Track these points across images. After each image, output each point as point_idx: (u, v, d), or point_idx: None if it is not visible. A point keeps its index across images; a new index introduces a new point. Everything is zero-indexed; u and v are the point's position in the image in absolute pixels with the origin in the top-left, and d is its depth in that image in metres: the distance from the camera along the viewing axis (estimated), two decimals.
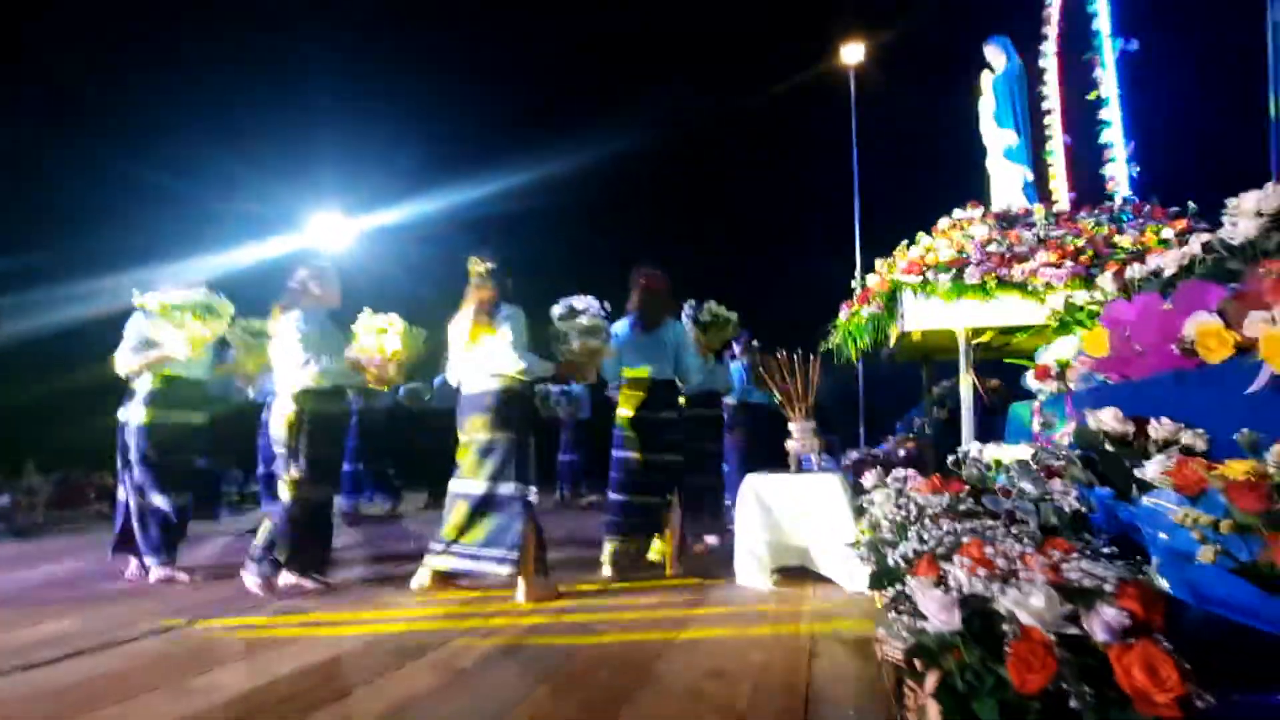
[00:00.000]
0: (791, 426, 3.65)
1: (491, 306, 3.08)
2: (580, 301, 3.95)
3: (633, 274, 3.76)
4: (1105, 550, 0.99)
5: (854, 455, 5.50)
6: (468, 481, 3.06)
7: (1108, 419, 1.52)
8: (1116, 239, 2.98)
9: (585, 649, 2.23)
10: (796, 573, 3.34)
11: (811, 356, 3.62)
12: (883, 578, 1.18)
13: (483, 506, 3.00)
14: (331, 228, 11.69)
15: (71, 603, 3.00)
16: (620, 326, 3.67)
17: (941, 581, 1.02)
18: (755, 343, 5.31)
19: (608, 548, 3.51)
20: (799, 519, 3.32)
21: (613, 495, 3.63)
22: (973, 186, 4.19)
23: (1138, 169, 3.75)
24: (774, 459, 3.72)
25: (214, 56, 12.66)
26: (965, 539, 1.07)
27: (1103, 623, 0.84)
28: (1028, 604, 0.86)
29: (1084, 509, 1.30)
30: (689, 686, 1.87)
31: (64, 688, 1.91)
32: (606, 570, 3.47)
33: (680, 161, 15.16)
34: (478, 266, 3.18)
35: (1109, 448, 1.56)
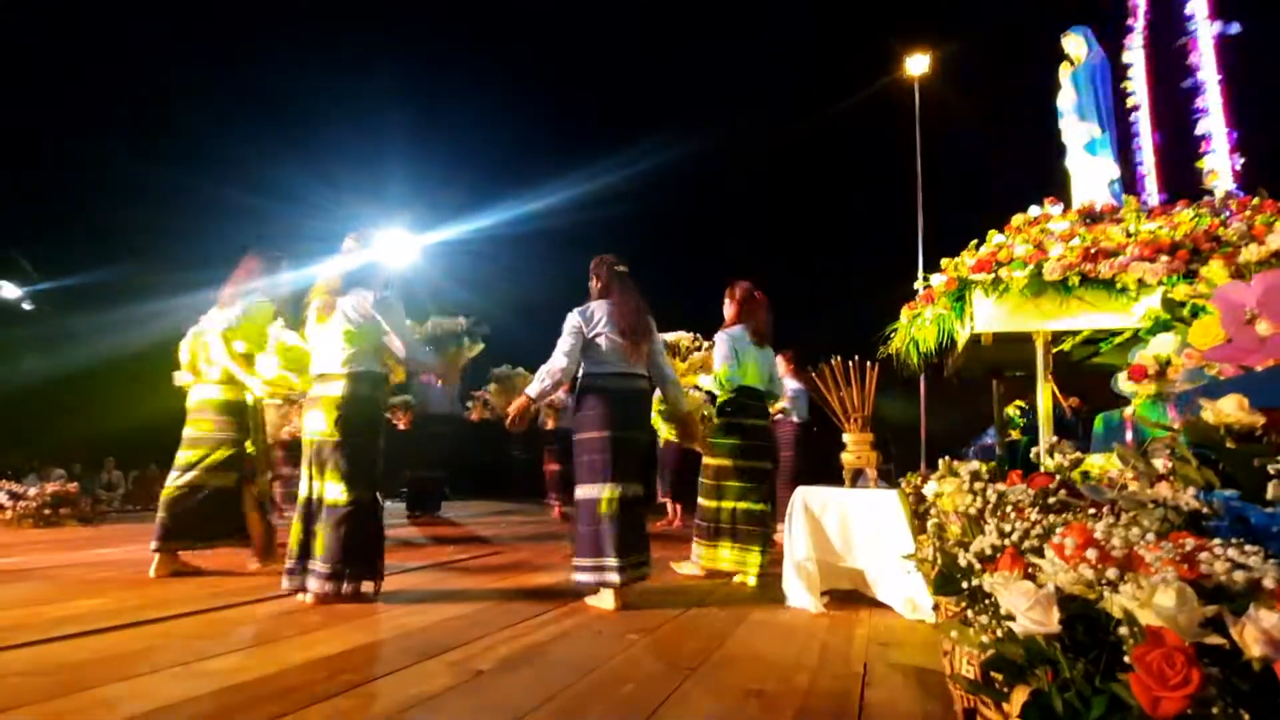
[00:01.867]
0: (846, 438, 3.41)
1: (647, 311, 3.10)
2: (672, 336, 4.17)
3: (741, 287, 3.77)
4: (1248, 547, 0.76)
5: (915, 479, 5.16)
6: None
7: (1230, 409, 1.26)
8: (1220, 232, 2.65)
9: (612, 659, 2.05)
10: (850, 597, 3.08)
11: (869, 364, 3.38)
12: (951, 579, 0.98)
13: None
14: (396, 243, 12.11)
15: (113, 583, 3.03)
16: (737, 335, 3.65)
17: (1030, 579, 0.82)
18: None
19: (707, 553, 3.55)
20: (853, 538, 3.06)
21: (715, 502, 3.59)
22: (1040, 197, 3.88)
23: (1242, 160, 3.38)
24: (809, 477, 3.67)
25: (292, 85, 13.40)
26: (1060, 530, 0.86)
27: (1262, 631, 0.62)
28: (1153, 602, 0.65)
29: (1204, 509, 1.06)
30: (723, 707, 1.67)
31: (75, 664, 1.87)
32: (689, 569, 3.63)
33: (738, 173, 15.05)
34: (619, 266, 3.13)
35: (1230, 444, 1.30)
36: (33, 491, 5.37)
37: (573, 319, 3.00)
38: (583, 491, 2.89)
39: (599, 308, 3.02)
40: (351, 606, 2.69)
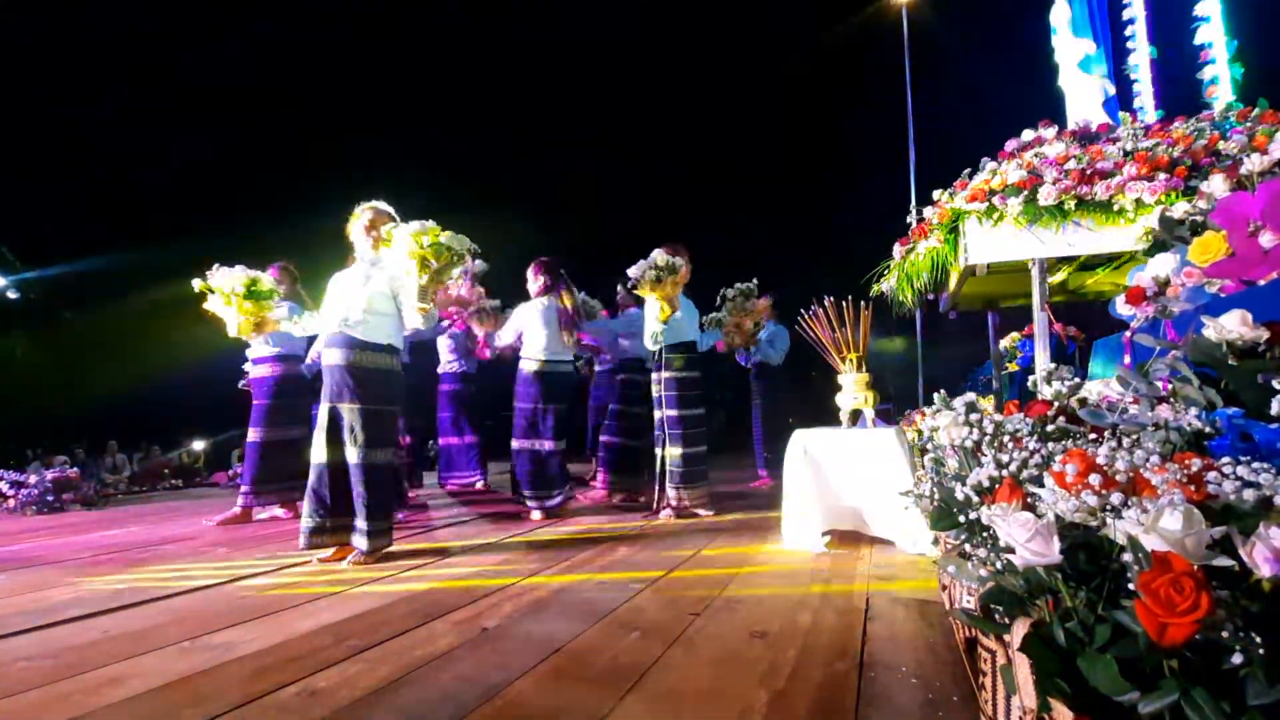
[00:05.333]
0: (841, 379, 3.39)
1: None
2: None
3: (682, 251, 4.02)
4: (1256, 464, 0.73)
5: (913, 416, 5.19)
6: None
7: (1233, 324, 1.22)
8: (1220, 146, 2.56)
9: (617, 609, 2.07)
10: (850, 536, 3.11)
11: (863, 304, 3.33)
12: (948, 513, 0.95)
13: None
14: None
15: (117, 564, 3.04)
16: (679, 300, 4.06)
17: (1030, 510, 0.79)
18: None
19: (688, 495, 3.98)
20: (853, 477, 3.08)
21: (686, 449, 3.98)
22: (1036, 121, 3.74)
23: (1242, 70, 3.25)
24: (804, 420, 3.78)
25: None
26: (1059, 458, 0.83)
27: (1272, 551, 0.60)
28: (1159, 527, 0.62)
29: (1208, 429, 1.03)
30: (728, 649, 1.68)
31: (81, 645, 1.87)
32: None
33: (725, 115, 14.66)
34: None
35: (1233, 362, 1.27)
36: (33, 479, 5.37)
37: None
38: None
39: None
40: (355, 571, 2.71)
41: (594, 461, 6.71)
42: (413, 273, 2.78)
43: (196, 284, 3.20)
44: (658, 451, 4.06)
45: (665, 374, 3.97)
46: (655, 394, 4.02)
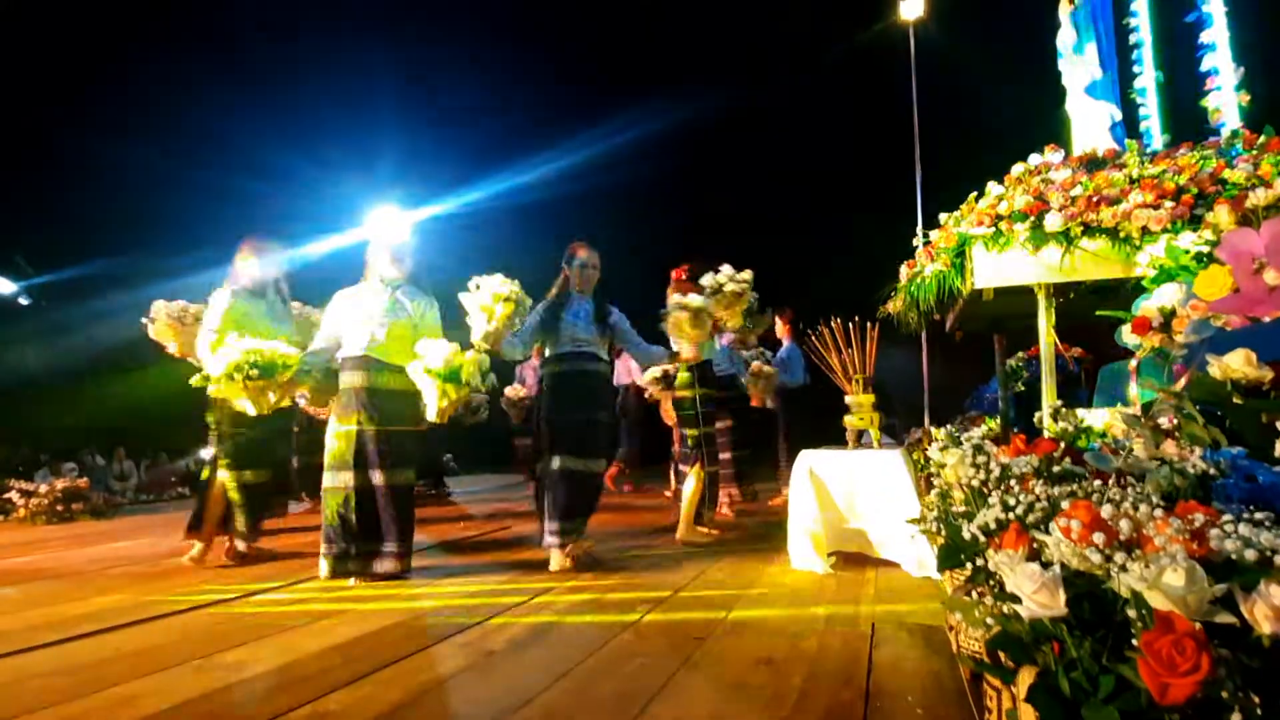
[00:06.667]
0: (848, 400, 3.41)
1: None
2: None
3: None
4: (1259, 517, 0.75)
5: (917, 434, 5.19)
6: None
7: (1237, 363, 1.24)
8: (1226, 174, 2.57)
9: (622, 632, 2.08)
10: (856, 558, 3.11)
11: (869, 325, 3.35)
12: (955, 553, 0.97)
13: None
14: (388, 219, 11.94)
15: (128, 578, 3.07)
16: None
17: (1035, 557, 0.81)
18: None
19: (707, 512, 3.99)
20: (859, 498, 3.08)
21: (708, 469, 3.96)
22: (1042, 143, 3.76)
23: (1248, 98, 3.28)
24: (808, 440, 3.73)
25: (276, 61, 13.09)
26: (1065, 504, 0.85)
27: (1272, 609, 0.61)
28: (1161, 583, 0.64)
29: (1213, 470, 1.05)
30: (732, 675, 1.69)
31: (94, 662, 1.90)
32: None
33: (729, 135, 14.70)
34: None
35: (1237, 400, 1.28)
36: (44, 488, 5.42)
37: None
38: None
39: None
40: (361, 590, 2.73)
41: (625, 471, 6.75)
42: (487, 317, 2.97)
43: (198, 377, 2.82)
44: (682, 468, 4.10)
45: (701, 391, 4.03)
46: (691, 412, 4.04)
